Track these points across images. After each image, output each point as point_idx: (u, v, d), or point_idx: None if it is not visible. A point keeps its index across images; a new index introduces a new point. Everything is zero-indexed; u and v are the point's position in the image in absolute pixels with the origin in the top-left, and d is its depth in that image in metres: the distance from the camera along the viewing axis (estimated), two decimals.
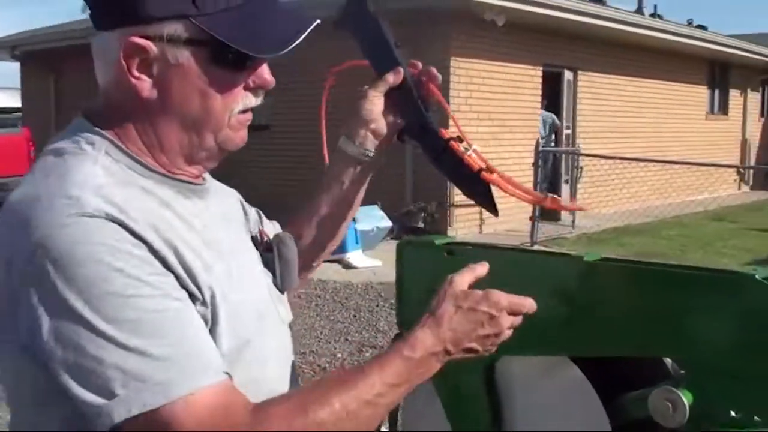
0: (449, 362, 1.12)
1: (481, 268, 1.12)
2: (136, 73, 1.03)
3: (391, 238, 9.29)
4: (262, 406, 0.97)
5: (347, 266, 8.39)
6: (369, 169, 1.33)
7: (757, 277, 1.03)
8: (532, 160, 10.03)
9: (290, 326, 1.27)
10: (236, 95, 1.07)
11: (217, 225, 1.13)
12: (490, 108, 10.96)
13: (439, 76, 1.30)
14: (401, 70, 1.28)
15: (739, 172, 17.81)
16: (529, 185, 10.00)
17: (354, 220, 8.76)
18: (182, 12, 1.01)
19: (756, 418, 1.02)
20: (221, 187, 1.24)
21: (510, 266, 1.24)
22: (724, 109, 17.82)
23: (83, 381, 0.90)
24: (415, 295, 1.34)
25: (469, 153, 1.27)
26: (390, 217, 9.41)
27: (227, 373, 0.96)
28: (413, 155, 10.57)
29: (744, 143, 18.38)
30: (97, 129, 1.06)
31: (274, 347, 1.16)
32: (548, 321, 1.19)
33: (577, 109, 12.97)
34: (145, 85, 1.03)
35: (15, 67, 16.76)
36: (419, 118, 1.30)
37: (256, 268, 1.20)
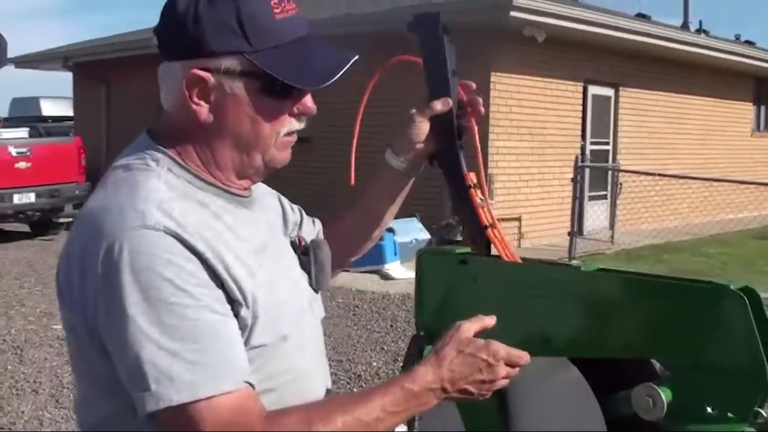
0: None
1: (489, 320, 1.23)
2: (196, 100, 1.18)
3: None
4: (274, 414, 1.10)
5: (385, 277, 8.52)
6: (407, 181, 1.48)
7: (731, 287, 1.15)
8: (571, 176, 10.07)
9: (326, 332, 1.41)
10: (282, 121, 1.21)
11: (262, 232, 1.28)
12: (531, 123, 11.03)
13: (482, 111, 1.43)
14: (450, 102, 1.41)
15: None
16: (568, 200, 10.05)
17: (393, 231, 8.90)
18: (238, 49, 1.16)
19: (729, 414, 1.13)
20: (264, 191, 1.38)
21: (516, 275, 1.37)
22: None
23: (127, 372, 1.07)
24: (431, 300, 1.47)
25: (482, 205, 1.39)
26: (428, 230, 9.53)
27: (249, 382, 1.10)
28: None
29: None
30: (161, 147, 1.21)
31: (309, 339, 1.31)
32: (549, 324, 1.31)
33: (619, 125, 12.95)
34: (203, 110, 1.19)
35: (68, 77, 17.27)
36: (452, 152, 1.41)
37: (295, 270, 1.34)
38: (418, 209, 10.06)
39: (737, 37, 21.14)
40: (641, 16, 16.36)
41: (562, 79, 11.51)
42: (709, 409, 1.15)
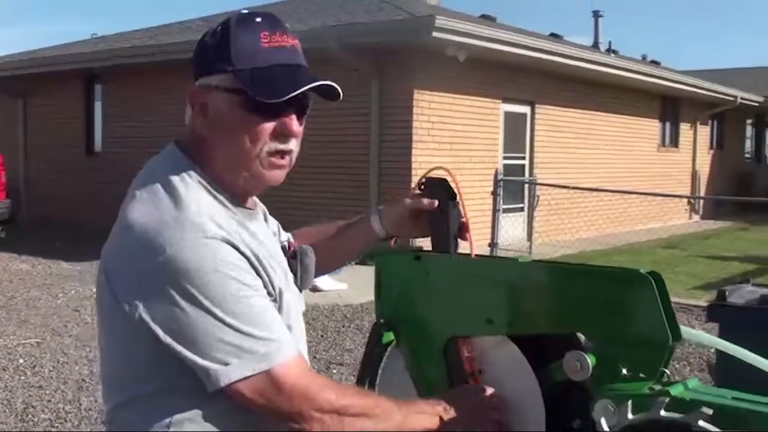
0: (415, 341, 1.59)
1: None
2: (197, 113, 1.39)
3: (356, 263, 9.59)
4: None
5: (314, 289, 8.68)
6: (373, 242, 1.72)
7: (641, 271, 1.41)
8: (491, 189, 10.44)
9: None
10: (261, 137, 1.37)
11: (270, 239, 1.50)
12: (452, 139, 11.39)
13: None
14: (435, 203, 1.63)
15: (689, 202, 18.45)
16: (489, 213, 10.41)
17: None
18: (222, 67, 1.36)
19: (641, 374, 1.39)
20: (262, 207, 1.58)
21: (462, 267, 1.61)
22: (675, 141, 18.46)
23: (202, 353, 1.28)
24: (390, 292, 1.69)
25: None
26: None
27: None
28: (378, 185, 10.95)
29: (694, 174, 19.03)
30: (187, 158, 1.40)
31: (301, 331, 1.53)
32: (492, 308, 1.55)
33: (535, 140, 13.45)
34: (200, 123, 1.39)
35: None
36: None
37: (290, 272, 1.55)
38: None
39: (644, 57, 22.15)
40: (554, 36, 17.04)
41: (482, 96, 11.92)
42: (624, 371, 1.40)
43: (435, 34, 9.89)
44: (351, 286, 8.65)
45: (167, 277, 1.27)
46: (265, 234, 1.50)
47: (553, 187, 11.48)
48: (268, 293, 1.38)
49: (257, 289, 1.34)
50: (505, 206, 10.98)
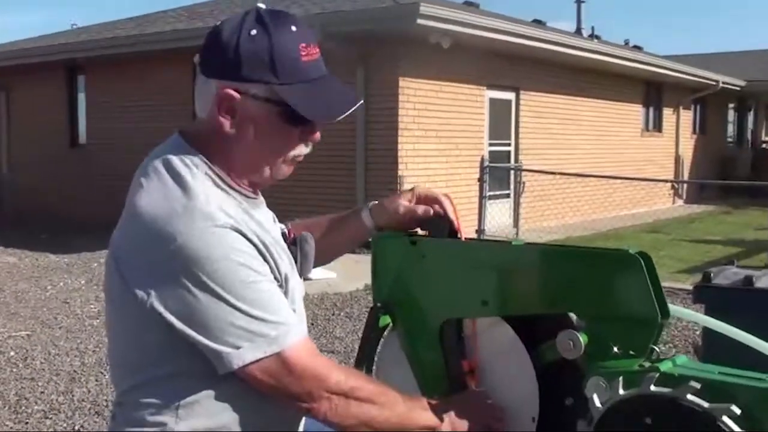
0: (411, 324, 1.64)
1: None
2: (224, 113, 1.41)
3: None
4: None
5: (304, 278, 8.72)
6: (367, 237, 1.76)
7: (630, 251, 1.45)
8: (477, 176, 10.51)
9: None
10: (291, 144, 1.46)
11: (273, 227, 1.55)
12: (437, 126, 11.43)
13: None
14: (430, 210, 1.68)
15: (673, 187, 18.60)
16: (475, 199, 10.48)
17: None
18: (266, 79, 1.39)
19: (631, 352, 1.44)
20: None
21: (457, 251, 1.65)
22: (658, 126, 18.57)
23: (214, 338, 1.32)
24: (386, 277, 1.73)
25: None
26: None
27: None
28: (365, 173, 10.98)
29: (677, 159, 19.17)
30: (194, 149, 1.43)
31: (302, 315, 1.57)
32: (487, 290, 1.59)
33: (520, 127, 13.51)
34: (227, 122, 1.42)
35: None
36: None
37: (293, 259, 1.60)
38: (332, 212, 10.27)
39: (626, 42, 22.23)
40: (537, 22, 17.09)
41: (466, 83, 11.96)
42: (615, 349, 1.45)
43: (419, 21, 9.92)
44: (340, 274, 8.69)
45: (178, 265, 1.31)
46: (269, 221, 1.55)
47: (538, 173, 11.55)
48: (275, 278, 1.42)
49: (265, 275, 1.39)
50: (491, 193, 11.05)
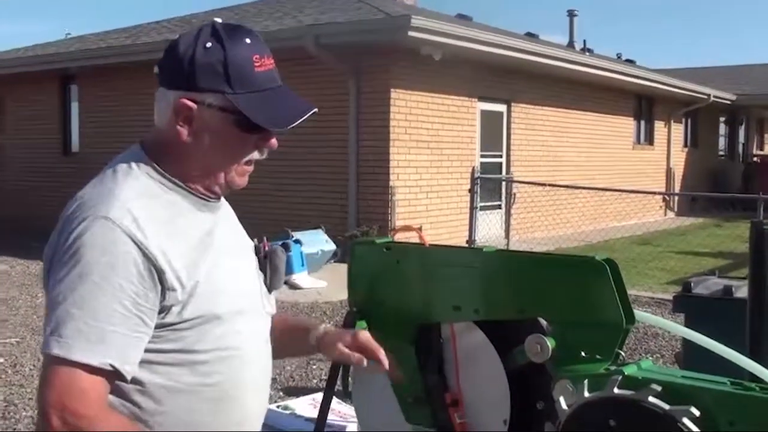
0: (386, 328, 1.66)
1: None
2: (181, 123, 1.47)
3: (335, 261, 9.68)
4: (109, 409, 1.37)
5: (294, 287, 8.75)
6: (304, 353, 1.82)
7: (597, 258, 1.50)
8: (468, 187, 10.56)
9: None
10: (245, 151, 1.51)
11: (224, 233, 1.56)
12: (429, 137, 11.49)
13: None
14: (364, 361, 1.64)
15: (664, 199, 18.68)
16: (466, 210, 10.52)
17: (300, 243, 9.12)
18: (220, 89, 1.45)
19: (597, 356, 1.48)
20: (229, 207, 1.67)
21: (432, 257, 1.70)
22: (649, 139, 18.67)
23: (46, 317, 1.37)
24: (362, 282, 1.77)
25: None
26: (334, 241, 9.81)
27: (115, 368, 1.34)
28: (357, 183, 11.03)
29: (669, 172, 19.26)
30: (145, 154, 1.50)
31: (252, 328, 1.58)
32: (459, 296, 1.63)
33: (511, 138, 13.58)
34: (185, 132, 1.48)
35: None
36: None
37: (252, 269, 1.63)
38: (324, 222, 10.37)
39: (618, 56, 22.36)
40: (530, 35, 17.19)
41: (458, 95, 12.03)
42: (582, 353, 1.49)
43: (411, 33, 9.99)
44: (330, 283, 8.73)
45: (64, 245, 1.37)
46: (223, 224, 1.57)
47: (529, 184, 11.61)
48: (169, 288, 1.40)
49: (119, 291, 1.35)
50: (482, 204, 11.10)
